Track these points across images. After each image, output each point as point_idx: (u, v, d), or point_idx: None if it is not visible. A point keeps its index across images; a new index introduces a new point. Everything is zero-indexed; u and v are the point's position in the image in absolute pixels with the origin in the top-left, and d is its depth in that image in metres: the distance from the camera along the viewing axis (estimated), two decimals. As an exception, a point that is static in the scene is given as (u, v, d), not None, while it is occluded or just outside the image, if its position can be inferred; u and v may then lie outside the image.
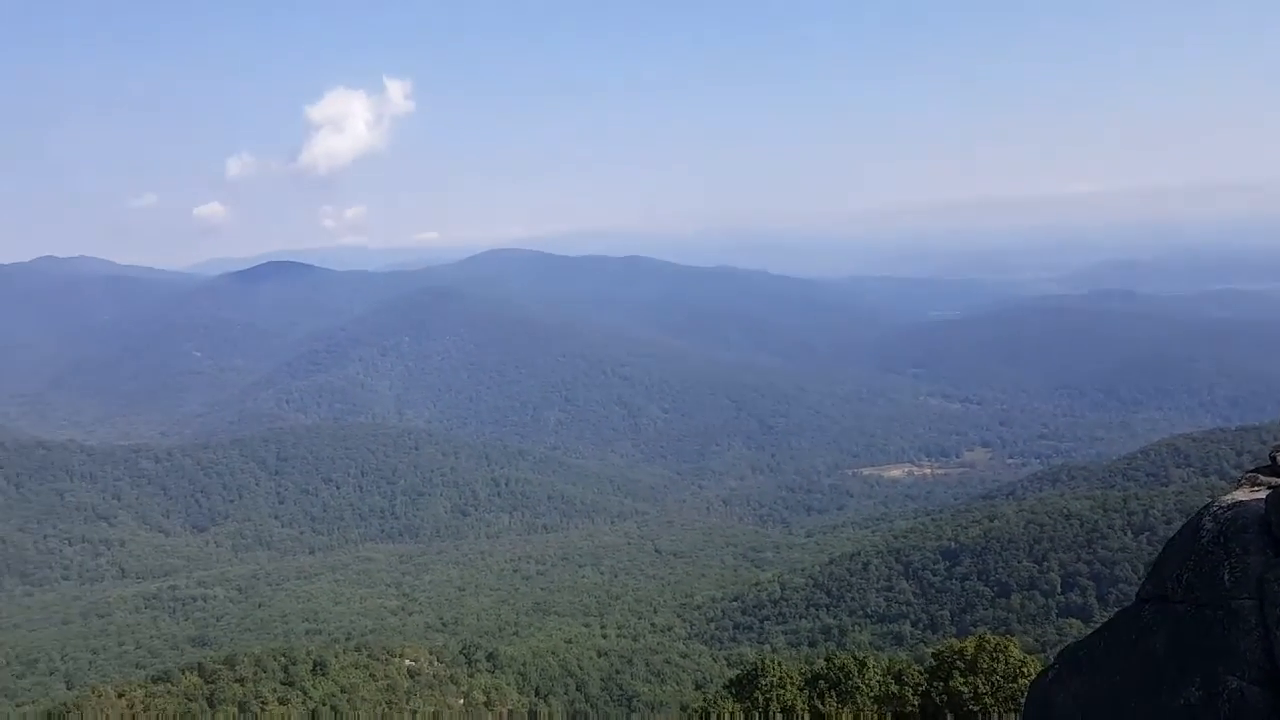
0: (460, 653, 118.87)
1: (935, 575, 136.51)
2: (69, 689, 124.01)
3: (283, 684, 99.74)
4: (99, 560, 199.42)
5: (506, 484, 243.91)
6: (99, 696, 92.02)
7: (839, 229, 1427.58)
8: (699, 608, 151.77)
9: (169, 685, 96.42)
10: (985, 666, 43.47)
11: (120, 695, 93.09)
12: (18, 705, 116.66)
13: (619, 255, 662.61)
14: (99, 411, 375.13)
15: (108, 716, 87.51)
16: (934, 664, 46.71)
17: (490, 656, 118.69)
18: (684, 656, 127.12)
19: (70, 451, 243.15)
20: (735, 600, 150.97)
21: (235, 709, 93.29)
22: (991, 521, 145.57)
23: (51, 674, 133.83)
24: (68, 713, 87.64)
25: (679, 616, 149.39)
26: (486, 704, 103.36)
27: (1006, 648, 44.88)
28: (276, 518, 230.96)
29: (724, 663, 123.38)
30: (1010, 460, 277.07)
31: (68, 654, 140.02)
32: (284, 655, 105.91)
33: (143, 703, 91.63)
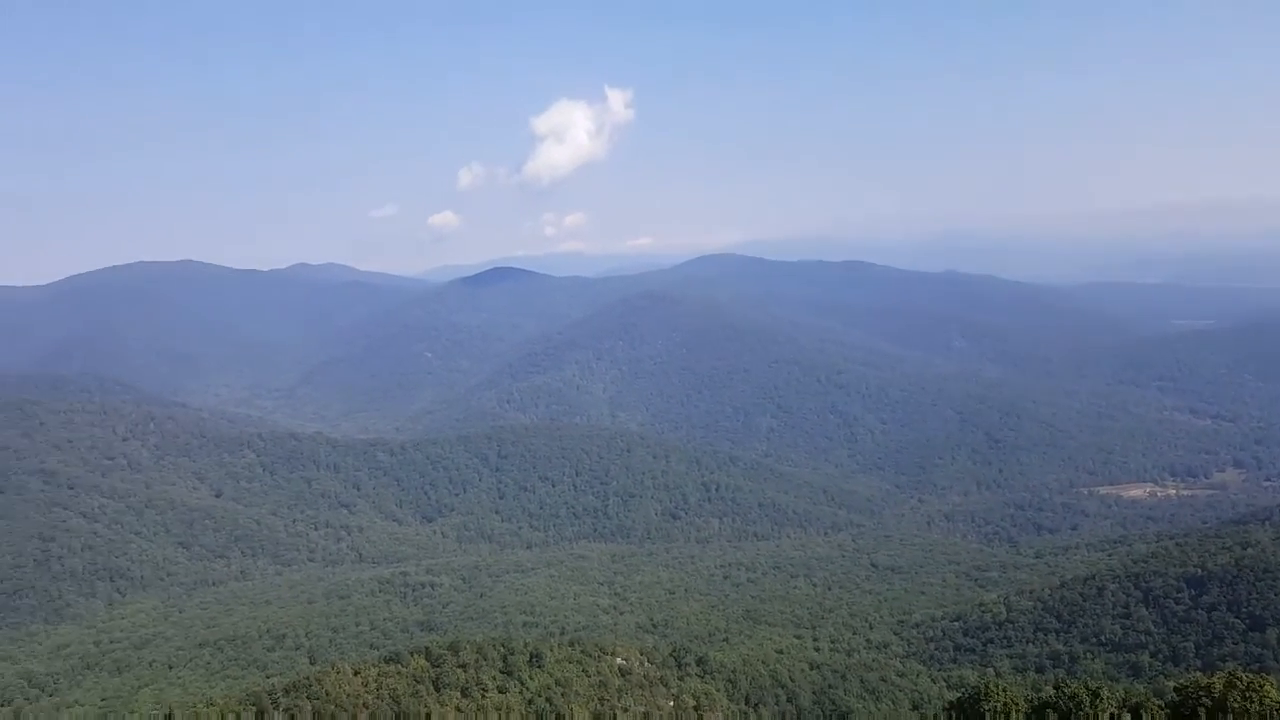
0: (670, 655, 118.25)
1: (1179, 604, 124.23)
2: (311, 664, 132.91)
3: (502, 673, 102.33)
4: (340, 545, 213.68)
5: (717, 489, 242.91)
6: (337, 673, 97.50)
7: (1065, 232, 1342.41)
8: (917, 626, 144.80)
9: (399, 666, 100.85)
10: (1236, 706, 38.35)
11: (356, 673, 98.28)
12: (267, 676, 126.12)
13: (837, 260, 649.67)
14: (343, 406, 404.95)
15: (345, 692, 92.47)
16: (1176, 699, 42.09)
17: (700, 661, 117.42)
18: (900, 675, 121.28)
19: (317, 443, 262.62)
20: (957, 620, 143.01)
21: (458, 694, 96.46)
22: (1245, 549, 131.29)
23: (297, 649, 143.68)
24: (310, 685, 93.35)
25: (895, 634, 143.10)
26: (696, 708, 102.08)
27: (1261, 687, 39.41)
28: (497, 512, 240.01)
29: (943, 684, 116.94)
30: (1267, 483, 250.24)
31: (311, 631, 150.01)
32: (503, 645, 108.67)
33: (375, 681, 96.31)
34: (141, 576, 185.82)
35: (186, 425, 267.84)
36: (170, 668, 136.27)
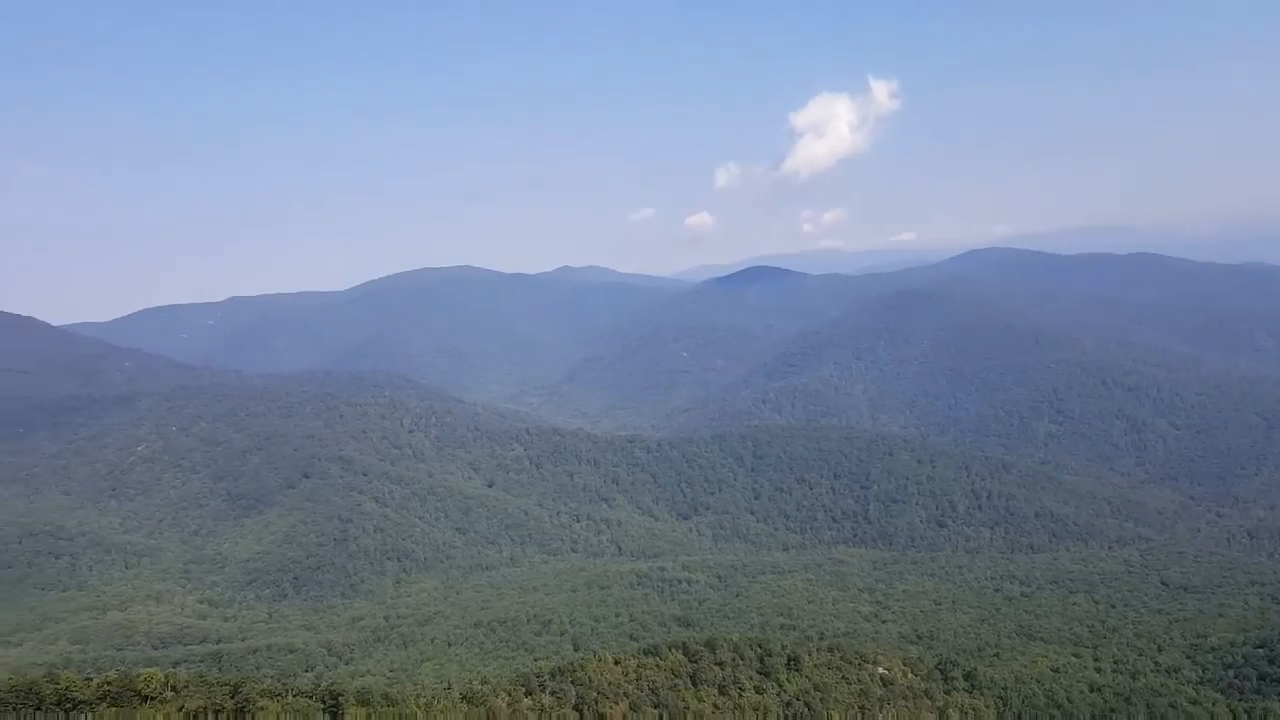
0: (936, 667, 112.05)
1: None
2: (575, 650, 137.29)
3: (759, 673, 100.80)
4: (600, 537, 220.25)
5: (988, 497, 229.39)
6: (599, 661, 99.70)
7: None
8: (1214, 650, 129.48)
9: (657, 659, 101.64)
10: None
11: (616, 662, 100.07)
12: (535, 659, 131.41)
13: (1122, 253, 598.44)
14: (603, 403, 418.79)
15: (606, 680, 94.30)
16: None
17: (968, 676, 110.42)
18: (1193, 703, 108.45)
19: (579, 439, 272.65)
20: (1261, 647, 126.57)
21: (716, 691, 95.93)
22: None
23: (562, 635, 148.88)
24: (574, 671, 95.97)
25: (1188, 658, 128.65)
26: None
27: None
28: (752, 512, 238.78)
29: (1245, 717, 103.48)
30: None
31: (575, 619, 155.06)
32: (760, 646, 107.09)
33: (635, 672, 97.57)
34: (424, 558, 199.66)
35: (463, 419, 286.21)
36: (449, 645, 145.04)
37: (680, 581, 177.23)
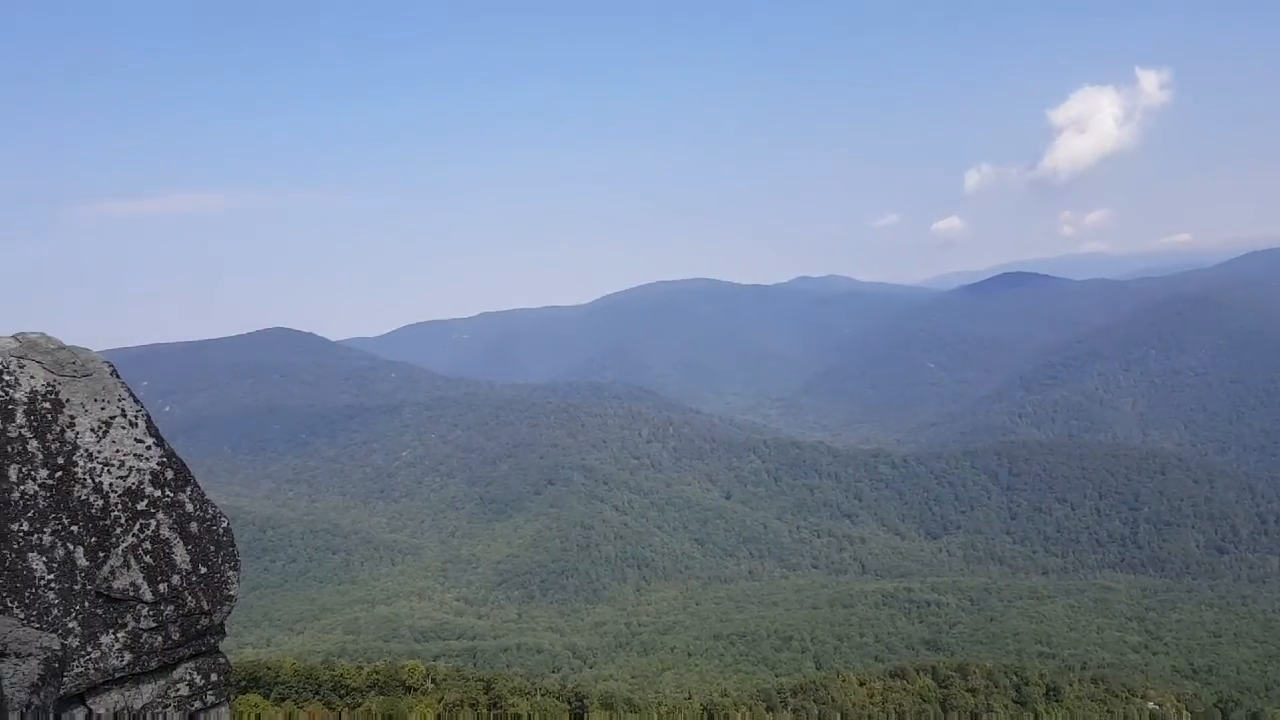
0: (1215, 705, 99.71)
1: None
2: (817, 668, 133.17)
3: (1015, 702, 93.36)
4: (842, 554, 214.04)
5: (1275, 521, 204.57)
6: (843, 681, 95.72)
7: None
8: None
9: (904, 682, 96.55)
10: None
11: (861, 683, 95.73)
12: (776, 675, 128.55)
13: None
14: (844, 416, 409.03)
15: (850, 700, 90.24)
16: None
17: (1254, 716, 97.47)
18: None
19: (819, 452, 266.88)
20: None
21: (968, 717, 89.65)
22: None
23: (803, 652, 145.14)
24: (816, 690, 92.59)
25: None
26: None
27: None
28: (1008, 533, 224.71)
29: None
30: None
31: (816, 636, 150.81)
32: (1016, 674, 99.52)
33: (880, 694, 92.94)
34: (663, 567, 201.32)
35: (700, 430, 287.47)
36: (689, 655, 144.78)
37: (929, 603, 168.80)
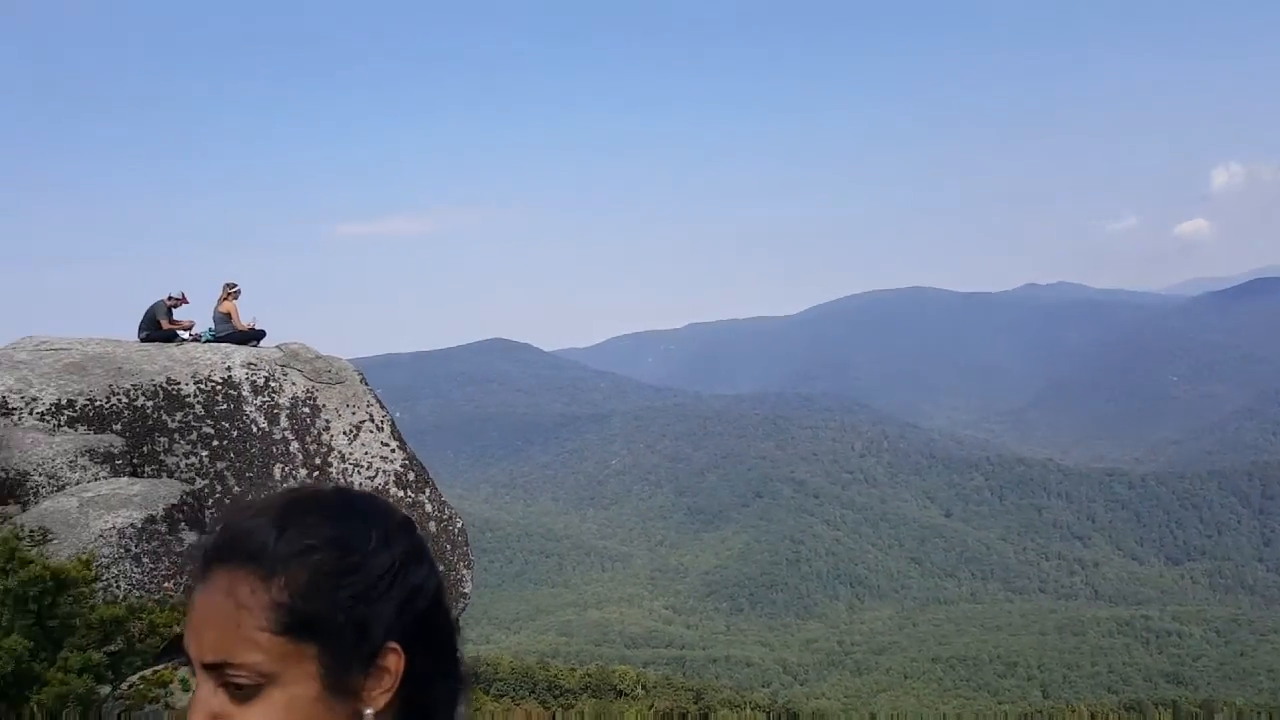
0: None
1: None
2: (1045, 698, 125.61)
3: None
4: (1073, 578, 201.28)
5: None
6: (1073, 712, 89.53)
7: None
8: None
9: (1141, 716, 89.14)
10: None
11: (1093, 716, 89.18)
12: (999, 703, 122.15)
13: None
14: (1074, 433, 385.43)
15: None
16: None
17: None
18: None
19: (1048, 470, 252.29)
20: None
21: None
22: None
23: (1029, 680, 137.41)
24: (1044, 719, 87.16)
25: None
26: None
27: None
28: (1260, 560, 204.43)
29: None
30: None
31: (1044, 664, 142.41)
32: (1270, 714, 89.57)
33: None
34: (877, 585, 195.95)
35: (917, 445, 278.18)
36: (905, 677, 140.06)
37: (1169, 633, 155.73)
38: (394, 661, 1.41)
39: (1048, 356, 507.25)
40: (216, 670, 1.40)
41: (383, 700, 1.39)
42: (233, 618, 1.44)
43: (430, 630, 1.50)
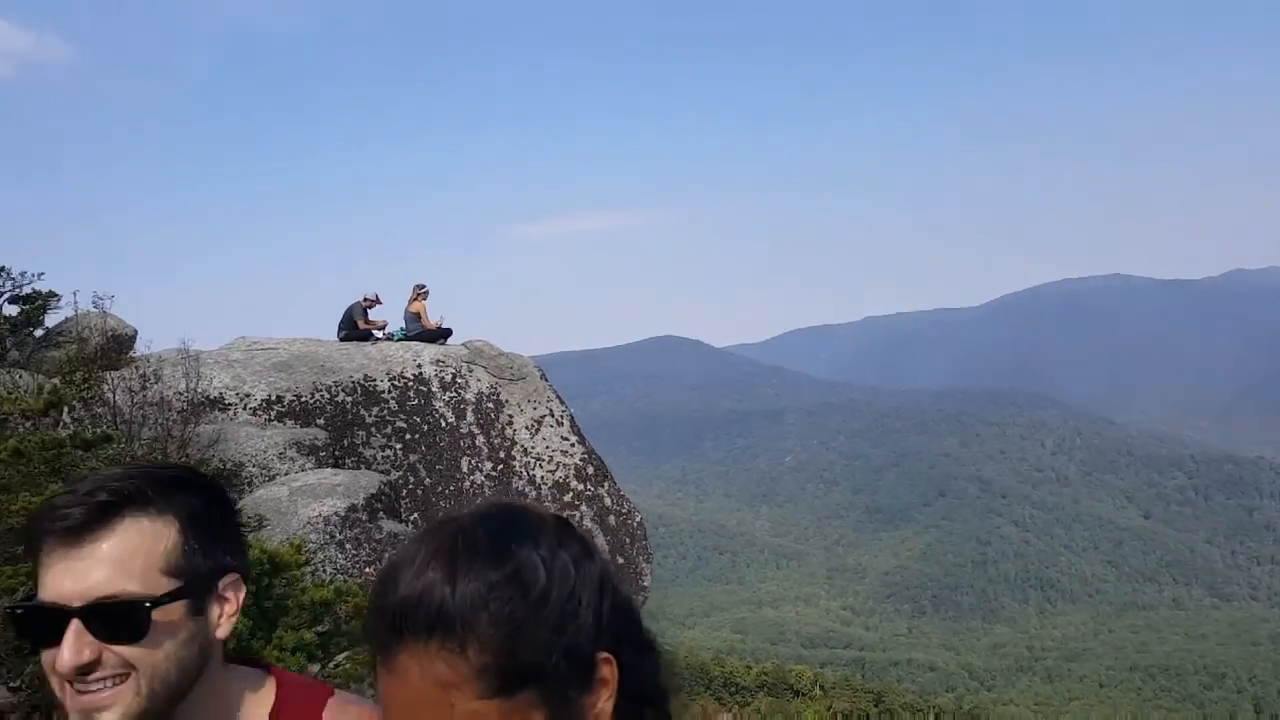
0: None
1: None
2: (1256, 712, 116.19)
3: None
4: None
5: None
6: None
7: None
8: None
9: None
10: None
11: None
12: (1205, 716, 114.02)
13: None
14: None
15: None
16: None
17: None
18: None
19: (1260, 469, 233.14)
20: None
21: None
22: None
23: (1239, 693, 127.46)
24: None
25: None
26: None
27: None
28: None
29: None
30: None
31: (1256, 676, 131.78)
32: None
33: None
34: (1070, 589, 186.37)
35: (1113, 442, 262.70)
36: (1100, 686, 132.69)
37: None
38: (609, 671, 1.32)
39: (1258, 347, 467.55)
40: None
41: (609, 708, 1.34)
42: (442, 700, 1.31)
43: (623, 616, 1.40)
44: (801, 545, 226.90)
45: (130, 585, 1.39)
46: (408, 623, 1.32)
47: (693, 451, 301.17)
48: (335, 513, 11.26)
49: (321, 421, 15.51)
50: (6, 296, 20.81)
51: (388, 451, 15.84)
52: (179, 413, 13.97)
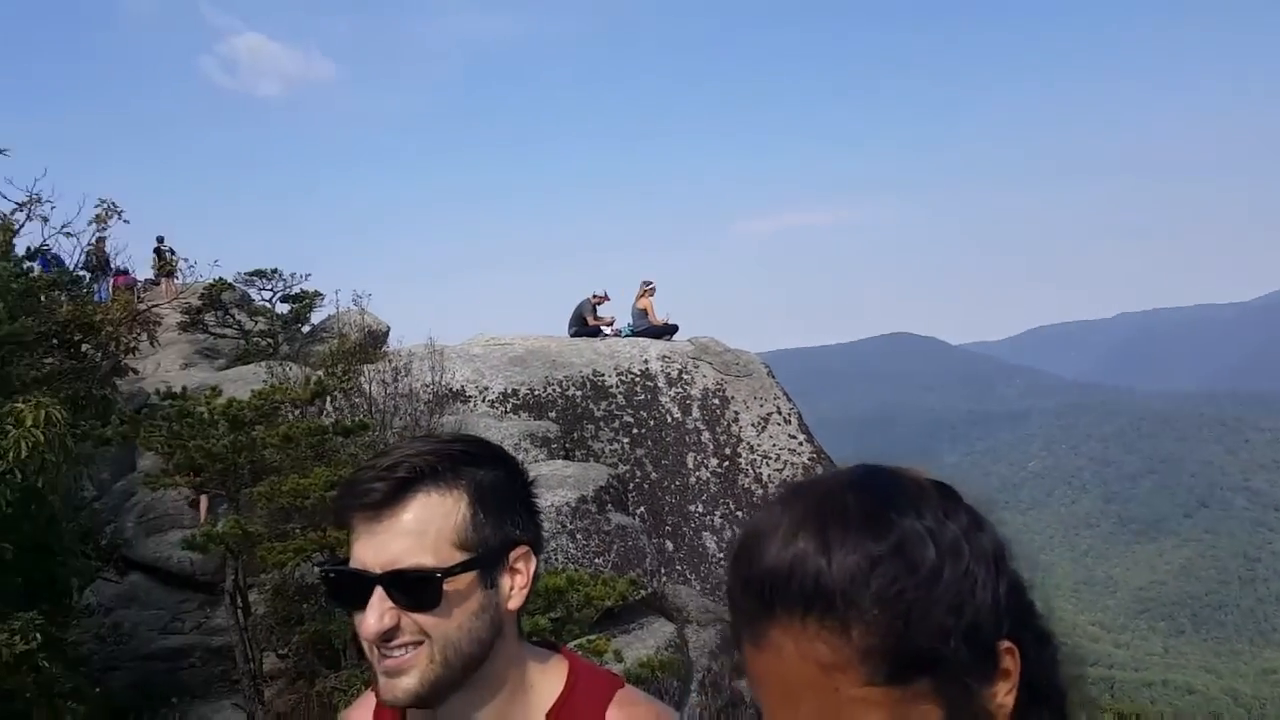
0: None
1: None
2: None
3: None
4: None
5: None
6: None
7: None
8: None
9: None
10: None
11: None
12: None
13: None
14: None
15: None
16: None
17: None
18: None
19: None
20: None
21: None
22: None
23: None
24: None
25: None
26: None
27: None
28: None
29: None
30: None
31: None
32: None
33: None
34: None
35: None
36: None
37: None
38: (1011, 661, 1.14)
39: None
40: None
41: (1009, 703, 1.15)
42: (826, 685, 1.11)
43: (1020, 598, 1.22)
44: (1046, 555, 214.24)
45: (424, 558, 1.48)
46: (779, 596, 1.13)
47: (927, 455, 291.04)
48: (566, 503, 11.68)
49: (553, 414, 16.12)
50: (279, 295, 23.12)
51: (615, 445, 16.23)
52: (426, 404, 14.93)
